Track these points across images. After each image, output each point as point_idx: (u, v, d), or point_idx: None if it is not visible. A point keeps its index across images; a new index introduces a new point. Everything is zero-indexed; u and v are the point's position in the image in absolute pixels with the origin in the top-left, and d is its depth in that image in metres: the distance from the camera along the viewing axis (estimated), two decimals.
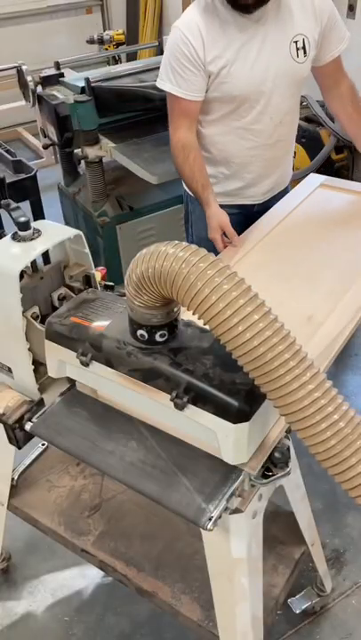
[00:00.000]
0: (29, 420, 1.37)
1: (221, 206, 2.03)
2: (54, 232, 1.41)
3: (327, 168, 3.80)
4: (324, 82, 2.16)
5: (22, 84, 3.14)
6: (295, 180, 3.85)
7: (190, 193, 2.22)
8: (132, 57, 4.64)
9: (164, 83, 1.97)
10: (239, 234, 1.99)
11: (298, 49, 1.94)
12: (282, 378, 1.00)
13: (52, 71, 3.15)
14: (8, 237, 1.38)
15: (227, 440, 1.16)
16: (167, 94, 1.98)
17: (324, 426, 1.00)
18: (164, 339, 1.20)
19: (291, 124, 2.14)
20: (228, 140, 2.08)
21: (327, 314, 1.61)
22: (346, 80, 2.14)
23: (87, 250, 1.47)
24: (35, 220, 1.70)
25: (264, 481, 1.22)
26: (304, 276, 1.76)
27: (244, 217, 2.17)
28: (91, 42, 4.19)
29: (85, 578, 2.07)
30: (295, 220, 2.05)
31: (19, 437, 1.39)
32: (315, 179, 2.32)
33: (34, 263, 1.42)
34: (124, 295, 1.29)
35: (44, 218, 2.94)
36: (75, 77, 3.08)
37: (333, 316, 1.61)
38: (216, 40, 1.88)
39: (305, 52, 1.95)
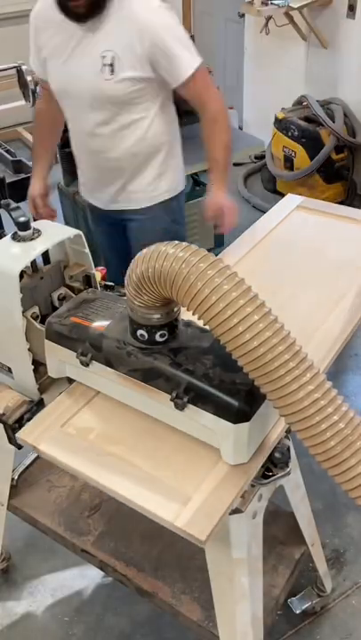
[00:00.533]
0: (29, 420, 1.37)
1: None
2: (54, 232, 1.41)
3: (327, 168, 3.80)
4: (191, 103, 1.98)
5: (22, 83, 3.15)
6: (297, 180, 3.88)
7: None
8: None
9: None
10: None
11: (104, 65, 1.83)
12: (282, 379, 1.00)
13: None
14: (8, 237, 1.38)
15: (227, 440, 1.16)
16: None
17: (324, 427, 1.00)
18: (164, 339, 1.20)
19: (110, 140, 1.98)
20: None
21: (327, 315, 1.61)
22: (210, 105, 1.93)
23: (87, 250, 1.47)
24: (35, 219, 1.70)
25: (264, 481, 1.23)
26: (291, 289, 1.72)
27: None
28: None
29: (85, 578, 2.07)
30: (273, 240, 1.98)
31: None
32: (292, 200, 2.25)
33: (34, 263, 1.42)
34: (124, 295, 1.29)
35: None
36: None
37: (333, 316, 1.61)
38: (44, 30, 1.92)
39: (112, 71, 1.83)
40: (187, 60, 1.85)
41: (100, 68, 1.84)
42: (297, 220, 2.10)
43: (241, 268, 1.78)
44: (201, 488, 1.16)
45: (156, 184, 2.10)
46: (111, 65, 1.83)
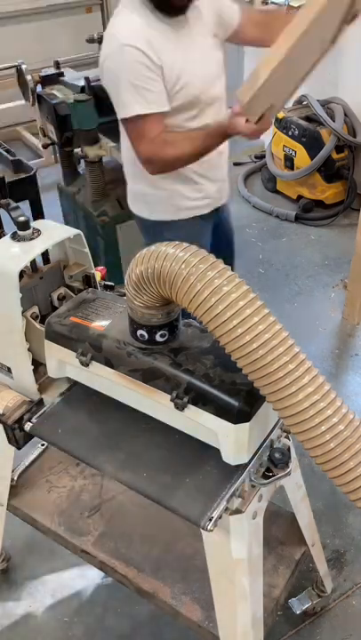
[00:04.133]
0: (29, 420, 1.37)
1: (194, 219, 2.08)
2: (54, 232, 1.41)
3: (328, 167, 3.80)
4: (251, 35, 2.06)
5: (22, 83, 3.14)
6: (297, 180, 3.88)
7: (144, 216, 2.15)
8: None
9: (131, 108, 1.81)
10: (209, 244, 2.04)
11: (215, 43, 1.98)
12: (281, 381, 1.00)
13: (52, 70, 3.14)
14: (8, 237, 1.37)
15: (227, 440, 1.16)
16: (129, 122, 1.85)
17: (324, 429, 1.00)
18: (164, 339, 1.20)
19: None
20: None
21: None
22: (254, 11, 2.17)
23: (87, 249, 1.47)
24: (34, 219, 1.70)
25: (264, 481, 1.22)
26: None
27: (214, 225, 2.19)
28: (91, 41, 4.15)
29: (85, 578, 2.07)
30: None
31: (18, 438, 1.38)
32: None
33: (33, 263, 1.42)
34: (124, 295, 1.29)
35: (43, 217, 2.94)
36: (74, 76, 3.07)
37: None
38: (163, 46, 1.81)
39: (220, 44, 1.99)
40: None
41: (216, 47, 1.97)
42: None
43: None
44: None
45: None
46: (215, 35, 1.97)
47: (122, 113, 1.87)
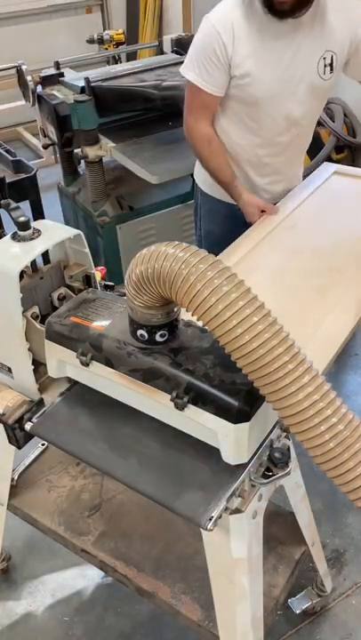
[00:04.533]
0: (29, 420, 1.37)
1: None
2: (54, 232, 1.41)
3: None
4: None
5: (22, 83, 3.14)
6: None
7: (202, 187, 2.21)
8: (131, 57, 4.64)
9: (188, 71, 1.95)
10: (234, 230, 2.00)
11: (325, 65, 1.92)
12: (280, 381, 1.00)
13: (52, 71, 3.14)
14: (8, 237, 1.37)
15: (227, 440, 1.16)
16: (189, 84, 1.97)
17: (323, 429, 1.00)
18: (164, 339, 1.20)
19: (306, 134, 2.14)
20: (239, 139, 2.07)
21: (326, 314, 1.61)
22: None
23: (87, 249, 1.47)
24: (35, 219, 1.70)
25: (264, 481, 1.22)
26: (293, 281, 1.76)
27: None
28: (91, 41, 4.18)
29: (85, 578, 2.07)
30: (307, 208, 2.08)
31: (19, 437, 1.38)
32: (327, 167, 2.35)
33: (34, 263, 1.42)
34: (124, 295, 1.29)
35: (43, 218, 2.94)
36: (74, 77, 3.08)
37: (333, 315, 1.61)
38: (247, 42, 1.86)
39: (331, 69, 1.94)
40: None
41: (320, 69, 1.92)
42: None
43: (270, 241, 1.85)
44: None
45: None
46: (331, 64, 1.92)
47: (183, 71, 1.98)
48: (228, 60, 1.87)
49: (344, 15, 1.89)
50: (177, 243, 1.07)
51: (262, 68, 1.89)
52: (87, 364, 1.28)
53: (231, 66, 1.88)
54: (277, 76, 1.90)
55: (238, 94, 1.95)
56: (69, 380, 1.41)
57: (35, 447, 1.90)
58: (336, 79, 1.99)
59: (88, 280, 1.50)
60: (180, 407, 1.16)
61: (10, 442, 1.41)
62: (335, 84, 2.01)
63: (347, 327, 1.58)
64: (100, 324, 1.28)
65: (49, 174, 3.99)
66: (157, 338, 1.20)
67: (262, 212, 2.07)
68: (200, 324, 1.07)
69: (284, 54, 1.88)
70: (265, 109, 1.97)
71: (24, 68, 3.09)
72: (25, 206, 2.50)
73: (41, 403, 1.42)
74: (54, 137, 3.01)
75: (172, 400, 1.17)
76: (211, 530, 1.14)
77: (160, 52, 3.48)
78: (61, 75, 3.12)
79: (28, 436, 1.40)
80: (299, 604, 1.90)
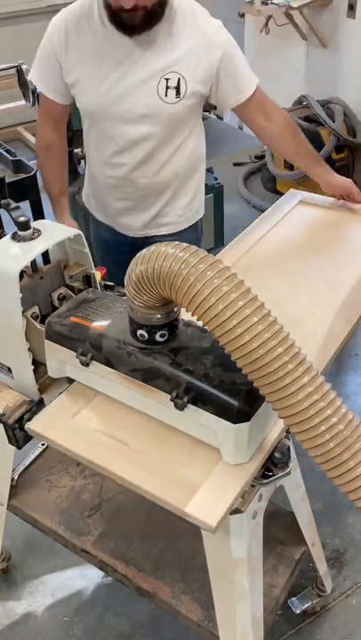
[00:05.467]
0: (29, 420, 1.37)
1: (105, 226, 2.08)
2: (54, 232, 1.41)
3: None
4: (248, 123, 1.96)
5: (22, 83, 3.14)
6: (297, 180, 3.88)
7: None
8: None
9: (32, 73, 1.89)
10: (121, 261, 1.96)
11: (168, 87, 1.74)
12: (280, 381, 1.00)
13: None
14: (8, 237, 1.37)
15: (227, 440, 1.16)
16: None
17: (323, 429, 1.00)
18: (164, 339, 1.20)
19: (157, 163, 1.88)
20: (91, 157, 2.00)
21: (323, 317, 1.61)
22: (276, 114, 1.93)
23: (87, 249, 1.47)
24: (35, 219, 1.70)
25: (264, 481, 1.22)
26: (293, 287, 1.73)
27: (129, 245, 2.00)
28: None
29: (85, 578, 2.07)
30: (275, 236, 2.01)
31: (19, 437, 1.38)
32: (294, 195, 2.28)
33: (33, 263, 1.42)
34: (124, 295, 1.29)
35: (43, 218, 2.94)
36: None
37: (331, 317, 1.61)
38: (79, 49, 1.76)
39: (177, 93, 1.75)
40: (251, 77, 1.86)
41: (160, 90, 1.75)
42: (297, 215, 2.15)
43: (241, 264, 1.84)
44: (207, 478, 1.17)
45: (191, 206, 2.04)
46: (177, 87, 1.75)
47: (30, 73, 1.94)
48: (61, 64, 1.79)
49: (198, 37, 1.75)
50: (177, 243, 1.07)
51: (90, 80, 1.78)
52: (87, 364, 1.28)
53: (64, 71, 1.80)
54: (103, 91, 1.77)
55: (80, 106, 1.87)
56: (69, 379, 1.41)
57: (35, 447, 1.90)
58: (196, 106, 1.84)
59: (88, 280, 1.50)
60: (180, 407, 1.16)
61: (10, 442, 1.41)
62: (195, 111, 1.85)
63: (346, 327, 1.58)
64: (99, 324, 1.28)
65: None
66: (157, 338, 1.20)
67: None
68: (200, 323, 1.07)
69: (113, 71, 1.75)
70: (97, 125, 1.87)
71: (24, 67, 3.09)
72: (25, 206, 2.49)
73: (41, 403, 1.42)
74: None
75: (171, 400, 1.17)
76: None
77: None
78: None
79: (28, 436, 1.40)
80: (299, 604, 1.90)
